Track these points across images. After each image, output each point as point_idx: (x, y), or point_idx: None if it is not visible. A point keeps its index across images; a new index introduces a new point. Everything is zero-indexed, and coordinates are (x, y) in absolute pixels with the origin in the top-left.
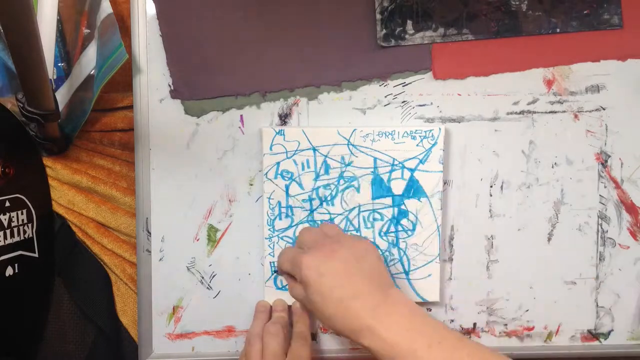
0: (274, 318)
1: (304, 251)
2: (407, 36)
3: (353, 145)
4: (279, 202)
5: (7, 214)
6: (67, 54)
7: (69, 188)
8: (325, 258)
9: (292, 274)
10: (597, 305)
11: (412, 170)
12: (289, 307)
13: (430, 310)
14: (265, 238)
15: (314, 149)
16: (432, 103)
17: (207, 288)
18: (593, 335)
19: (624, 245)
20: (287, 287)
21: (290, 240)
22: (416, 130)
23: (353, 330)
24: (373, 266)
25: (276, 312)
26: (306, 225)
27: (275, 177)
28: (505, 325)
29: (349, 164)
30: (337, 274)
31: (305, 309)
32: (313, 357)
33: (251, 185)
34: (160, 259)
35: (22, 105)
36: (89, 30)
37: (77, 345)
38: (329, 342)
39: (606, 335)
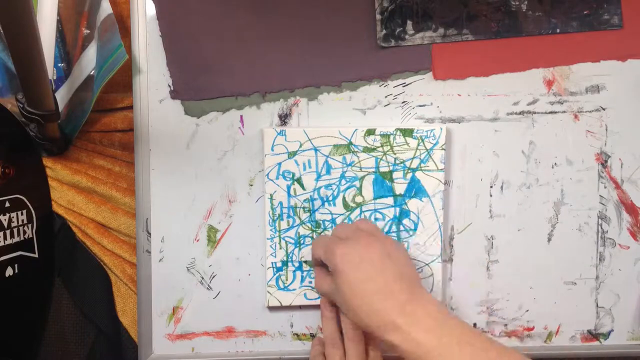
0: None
1: (339, 240)
2: (407, 36)
3: (354, 145)
4: (281, 203)
5: (7, 215)
6: (67, 54)
7: (69, 188)
8: (361, 249)
9: (325, 261)
10: (597, 306)
11: (413, 170)
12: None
13: None
14: (267, 238)
15: (316, 149)
16: (432, 103)
17: (207, 288)
18: (593, 335)
19: (624, 245)
20: (288, 287)
21: (292, 241)
22: (417, 130)
23: (380, 325)
24: (404, 263)
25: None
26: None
27: (277, 178)
28: (506, 325)
29: (350, 164)
30: (370, 266)
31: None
32: None
33: (251, 185)
34: (160, 260)
35: (22, 105)
36: (88, 31)
37: (77, 345)
38: None
39: (606, 335)
